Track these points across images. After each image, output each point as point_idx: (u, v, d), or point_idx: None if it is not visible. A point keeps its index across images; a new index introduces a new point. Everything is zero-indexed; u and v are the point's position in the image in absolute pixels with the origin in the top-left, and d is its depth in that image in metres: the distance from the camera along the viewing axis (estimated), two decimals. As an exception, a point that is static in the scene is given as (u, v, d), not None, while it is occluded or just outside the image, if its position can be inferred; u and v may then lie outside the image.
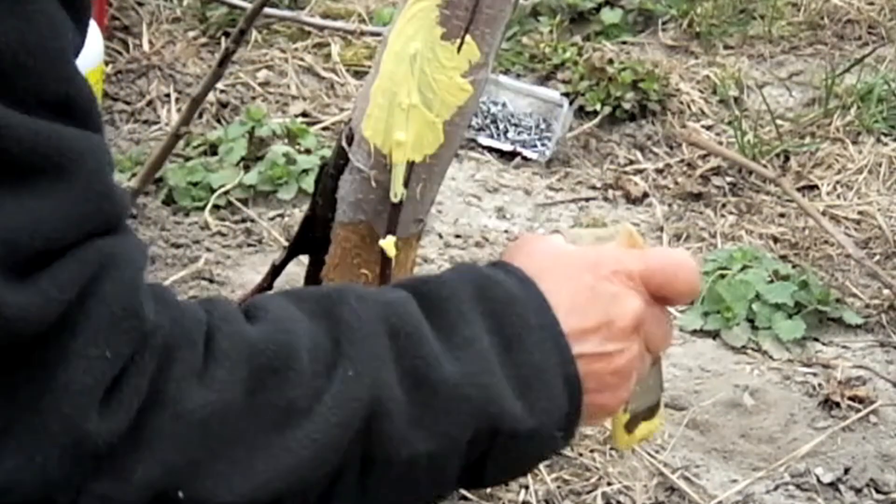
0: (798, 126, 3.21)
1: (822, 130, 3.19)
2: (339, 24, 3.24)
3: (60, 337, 0.79)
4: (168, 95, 3.17)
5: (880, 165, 3.09)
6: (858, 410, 2.39)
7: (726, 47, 3.52)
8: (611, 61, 3.26)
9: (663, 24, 3.59)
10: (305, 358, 0.88)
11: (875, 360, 2.53)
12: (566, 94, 3.20)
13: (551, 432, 0.95)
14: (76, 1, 0.82)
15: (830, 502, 2.21)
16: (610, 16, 3.53)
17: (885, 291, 2.67)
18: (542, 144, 3.11)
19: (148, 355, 0.83)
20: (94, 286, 0.80)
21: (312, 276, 1.96)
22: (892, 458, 2.30)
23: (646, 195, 2.99)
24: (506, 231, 2.86)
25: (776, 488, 2.23)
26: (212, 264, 2.64)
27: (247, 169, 2.89)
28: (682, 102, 3.26)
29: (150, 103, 3.16)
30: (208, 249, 2.70)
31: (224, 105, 3.15)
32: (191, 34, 3.39)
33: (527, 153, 3.08)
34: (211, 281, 2.59)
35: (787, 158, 3.11)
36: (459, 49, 1.74)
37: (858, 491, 2.23)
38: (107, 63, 3.14)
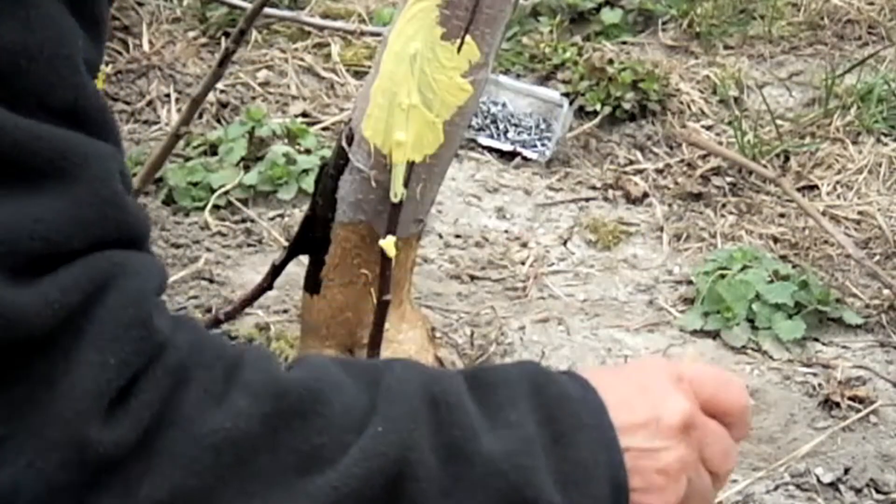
0: (798, 126, 3.21)
1: (822, 130, 3.19)
2: (339, 24, 3.24)
3: (63, 342, 0.79)
4: (168, 95, 3.17)
5: (880, 165, 3.09)
6: (858, 410, 2.39)
7: (726, 47, 3.52)
8: (611, 61, 3.26)
9: (663, 24, 3.59)
10: (337, 409, 0.87)
11: (875, 360, 2.53)
12: (566, 94, 3.20)
13: None
14: (90, 13, 0.82)
15: (830, 502, 2.21)
16: (610, 16, 3.54)
17: (885, 291, 2.67)
18: (542, 144, 3.11)
19: (161, 371, 0.82)
20: (100, 293, 0.80)
21: (312, 276, 1.96)
22: (892, 458, 2.30)
23: (646, 195, 2.99)
24: (506, 231, 2.86)
25: (776, 488, 2.23)
26: (212, 264, 2.64)
27: (247, 169, 2.89)
28: (682, 102, 3.26)
29: (150, 103, 3.16)
30: (208, 249, 2.70)
31: (224, 105, 3.15)
32: (191, 34, 3.39)
33: (527, 153, 3.08)
34: (211, 281, 2.59)
35: (787, 158, 3.11)
36: (459, 49, 1.74)
37: (858, 491, 2.23)
38: (107, 63, 3.14)
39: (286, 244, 2.36)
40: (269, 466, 0.84)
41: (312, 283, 1.95)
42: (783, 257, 2.79)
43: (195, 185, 2.84)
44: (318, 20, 3.25)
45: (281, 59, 3.32)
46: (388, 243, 1.78)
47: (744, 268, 2.66)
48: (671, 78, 3.30)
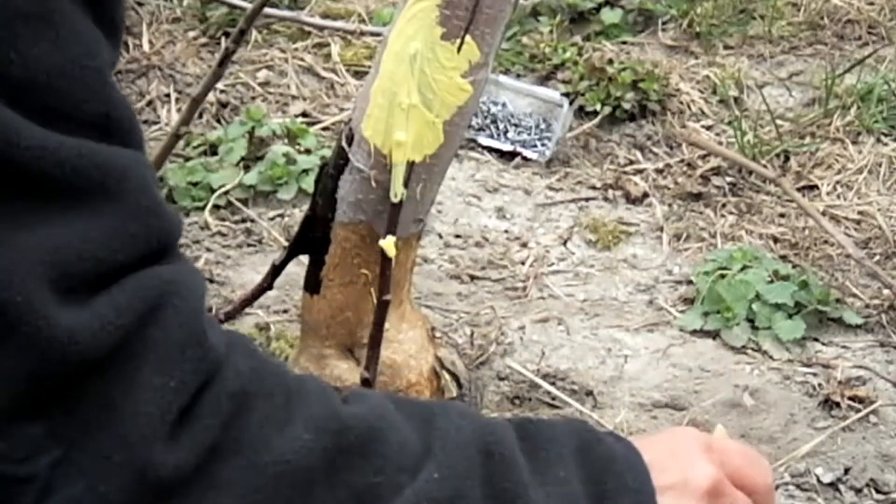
0: (798, 126, 3.21)
1: (822, 130, 3.19)
2: (339, 24, 3.24)
3: (121, 364, 0.79)
4: (168, 95, 3.17)
5: (880, 165, 3.09)
6: (858, 410, 2.39)
7: (726, 47, 3.52)
8: (611, 61, 3.26)
9: (663, 24, 3.59)
10: (394, 449, 0.88)
11: (875, 360, 2.53)
12: (566, 94, 3.20)
13: None
14: (110, 18, 0.82)
15: (830, 502, 2.21)
16: (610, 16, 3.53)
17: (885, 291, 2.67)
18: (542, 144, 3.11)
19: (223, 396, 0.82)
20: (155, 314, 0.80)
21: (312, 275, 1.96)
22: (892, 458, 2.30)
23: (646, 195, 2.99)
24: (506, 231, 2.86)
25: (776, 488, 2.23)
26: (212, 264, 2.65)
27: (247, 169, 2.89)
28: (682, 102, 3.26)
29: (150, 103, 3.16)
30: (208, 249, 2.70)
31: (224, 105, 3.15)
32: (191, 34, 3.39)
33: (527, 153, 3.08)
34: (211, 281, 2.59)
35: (787, 158, 3.11)
36: (459, 49, 1.74)
37: (858, 491, 2.23)
38: (107, 63, 3.13)
39: (286, 244, 2.36)
40: (324, 501, 0.84)
41: (312, 283, 1.95)
42: (783, 257, 2.79)
43: (195, 185, 2.84)
44: (318, 20, 3.25)
45: (281, 59, 3.32)
46: (388, 243, 1.78)
47: (744, 268, 2.65)
48: (671, 78, 3.30)
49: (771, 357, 2.52)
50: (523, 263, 2.75)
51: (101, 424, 0.78)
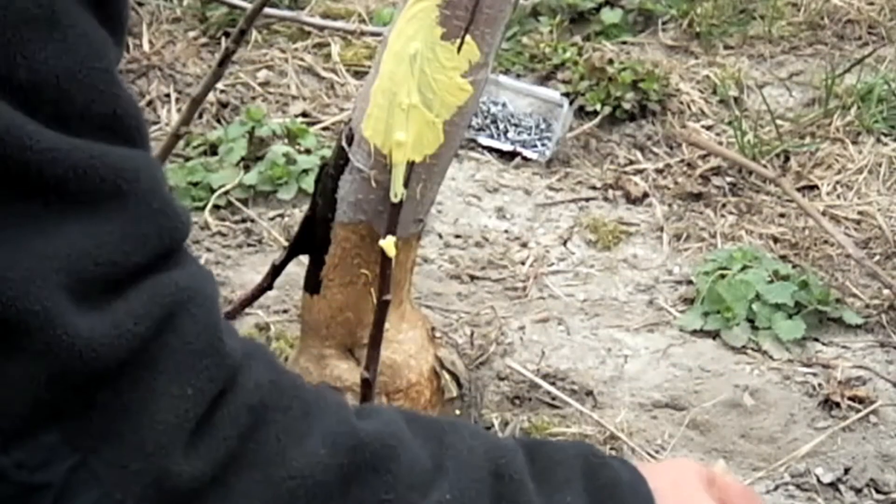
0: (798, 126, 3.21)
1: (822, 130, 3.19)
2: (339, 24, 3.24)
3: (138, 371, 0.79)
4: (168, 95, 3.17)
5: (880, 165, 3.09)
6: (858, 410, 2.39)
7: (726, 47, 3.52)
8: (611, 61, 3.26)
9: (663, 24, 3.59)
10: (406, 468, 0.88)
11: (875, 360, 2.53)
12: (566, 94, 3.20)
13: None
14: (115, 17, 0.82)
15: (830, 502, 2.21)
16: (610, 16, 3.53)
17: (885, 291, 2.67)
18: (542, 144, 3.11)
19: (241, 407, 0.82)
20: (172, 321, 0.80)
21: (312, 276, 1.96)
22: (892, 458, 2.30)
23: (646, 195, 2.99)
24: (506, 231, 2.86)
25: (776, 488, 2.23)
26: (212, 264, 2.65)
27: (247, 169, 2.89)
28: (682, 102, 3.26)
29: (150, 103, 3.16)
30: (208, 249, 2.70)
31: (224, 105, 3.16)
32: (191, 34, 3.39)
33: (527, 153, 3.08)
34: (211, 281, 2.59)
35: (787, 158, 3.11)
36: (459, 49, 1.74)
37: (858, 491, 2.23)
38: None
39: (286, 244, 2.36)
40: None
41: (312, 283, 1.95)
42: (783, 257, 2.79)
43: (195, 185, 2.84)
44: (318, 20, 3.25)
45: (281, 59, 3.32)
46: (388, 243, 1.78)
47: (744, 268, 2.66)
48: (671, 78, 3.30)
49: (771, 357, 2.52)
50: (523, 263, 2.75)
51: (117, 432, 0.78)
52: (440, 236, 2.82)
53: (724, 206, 2.96)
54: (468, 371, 2.08)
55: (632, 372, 2.46)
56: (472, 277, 2.70)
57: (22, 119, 0.76)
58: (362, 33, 3.00)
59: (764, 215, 2.94)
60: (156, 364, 0.79)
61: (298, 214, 2.74)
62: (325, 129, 3.10)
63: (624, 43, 3.50)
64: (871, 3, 3.67)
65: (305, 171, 2.85)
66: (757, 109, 3.26)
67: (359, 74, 3.25)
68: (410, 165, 1.78)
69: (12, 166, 0.75)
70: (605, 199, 2.98)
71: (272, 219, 2.81)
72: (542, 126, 3.14)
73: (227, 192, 2.84)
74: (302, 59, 3.32)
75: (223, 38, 3.32)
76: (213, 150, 2.96)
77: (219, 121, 3.10)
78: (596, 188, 3.01)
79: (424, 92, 1.75)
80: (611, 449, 2.26)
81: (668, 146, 3.15)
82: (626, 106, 3.19)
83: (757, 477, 2.24)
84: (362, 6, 3.55)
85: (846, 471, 2.26)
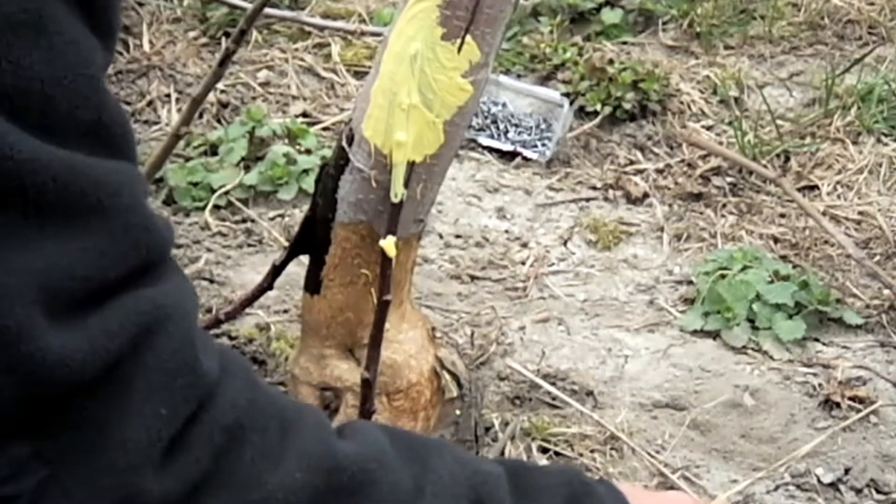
0: (798, 126, 3.21)
1: (823, 130, 3.19)
2: (339, 24, 3.24)
3: (112, 389, 0.78)
4: (168, 95, 3.17)
5: (880, 165, 3.09)
6: (859, 410, 2.39)
7: (726, 47, 3.52)
8: (611, 61, 3.26)
9: (663, 24, 3.59)
10: (385, 492, 0.88)
11: (875, 360, 2.53)
12: (566, 95, 3.20)
13: None
14: (105, 23, 0.82)
15: (831, 502, 2.21)
16: (610, 16, 3.53)
17: (886, 291, 2.67)
18: (543, 144, 3.10)
19: (216, 427, 0.81)
20: (147, 338, 0.79)
21: (313, 276, 1.96)
22: (892, 459, 2.30)
23: (646, 195, 2.99)
24: (506, 231, 2.86)
25: (776, 488, 2.23)
26: (212, 264, 2.64)
27: (247, 169, 2.89)
28: (682, 102, 3.26)
29: (150, 103, 3.16)
30: (208, 249, 2.70)
31: (224, 105, 3.15)
32: (191, 34, 3.39)
33: (527, 153, 3.08)
34: (211, 281, 2.59)
35: (787, 158, 3.11)
36: (460, 49, 1.74)
37: (859, 491, 2.23)
38: (107, 63, 3.13)
39: (286, 244, 2.36)
40: None
41: (313, 283, 1.95)
42: (783, 257, 2.79)
43: (195, 185, 2.84)
44: (318, 20, 3.25)
45: (281, 59, 3.32)
46: (388, 243, 1.78)
47: (744, 268, 2.66)
48: (671, 78, 3.30)
49: (771, 357, 2.52)
50: (523, 263, 2.75)
51: (89, 449, 0.78)
52: (440, 236, 2.81)
53: (724, 206, 2.96)
54: (468, 371, 2.08)
55: (632, 372, 2.46)
56: (473, 277, 2.70)
57: (5, 126, 0.75)
58: (362, 33, 3.00)
59: (764, 215, 2.94)
60: (129, 382, 0.78)
61: (299, 214, 2.74)
62: (325, 129, 3.10)
63: (624, 43, 3.50)
64: (871, 3, 3.67)
65: (306, 172, 2.85)
66: (757, 109, 3.26)
67: (359, 74, 3.25)
68: (411, 165, 1.78)
69: None
70: (606, 199, 2.98)
71: (272, 219, 2.81)
72: (543, 126, 3.14)
73: (227, 193, 2.84)
74: (302, 60, 3.32)
75: (223, 39, 3.32)
76: (213, 150, 2.96)
77: (219, 121, 3.10)
78: (596, 188, 3.01)
79: (425, 92, 1.75)
80: (611, 449, 2.26)
81: (669, 146, 3.15)
82: (627, 106, 3.19)
83: (757, 477, 2.24)
84: (362, 6, 3.55)
85: (846, 471, 2.26)
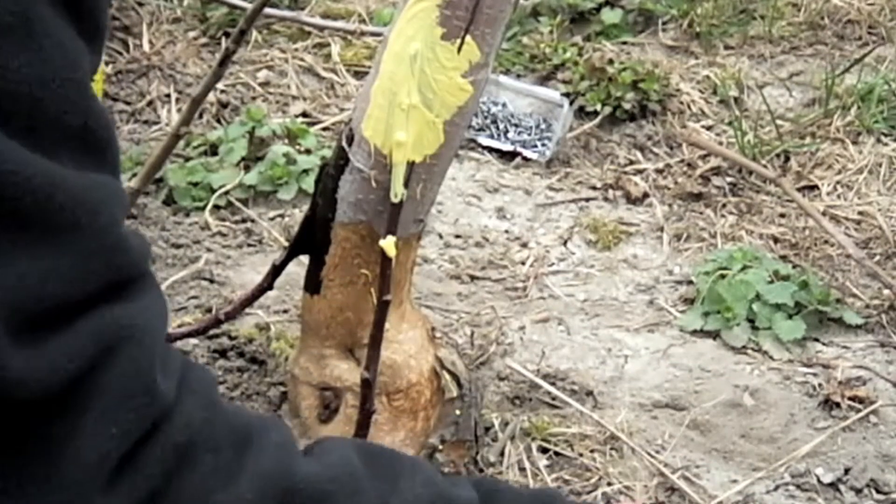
0: (798, 126, 3.21)
1: (823, 130, 3.19)
2: (339, 24, 3.24)
3: (68, 409, 0.78)
4: (168, 95, 3.17)
5: (880, 165, 3.09)
6: (859, 410, 2.39)
7: (726, 47, 3.52)
8: (611, 61, 3.26)
9: (663, 24, 3.59)
10: None
11: (875, 360, 2.53)
12: (566, 95, 3.20)
13: None
14: (93, 26, 0.81)
15: (831, 502, 2.21)
16: (610, 16, 3.54)
17: (886, 291, 2.67)
18: (543, 144, 3.10)
19: (168, 446, 0.81)
20: (107, 359, 0.79)
21: (312, 276, 1.96)
22: (892, 459, 2.30)
23: (646, 195, 2.99)
24: (506, 231, 2.86)
25: (776, 488, 2.23)
26: (212, 264, 2.64)
27: (247, 169, 2.89)
28: (682, 102, 3.26)
29: (150, 103, 3.16)
30: (208, 249, 2.70)
31: (224, 105, 3.15)
32: (191, 34, 3.39)
33: (527, 153, 3.08)
34: (211, 281, 2.59)
35: (787, 158, 3.11)
36: (459, 49, 1.74)
37: (859, 491, 2.23)
38: (107, 63, 3.14)
39: (286, 244, 2.36)
40: None
41: (312, 283, 1.95)
42: (783, 257, 2.79)
43: (195, 185, 2.84)
44: (318, 20, 3.25)
45: (281, 59, 3.32)
46: (388, 243, 1.78)
47: (744, 268, 2.66)
48: (671, 78, 3.30)
49: (771, 357, 2.52)
50: (523, 263, 2.75)
51: (40, 467, 0.78)
52: (440, 236, 2.81)
53: (724, 206, 2.96)
54: (468, 371, 2.08)
55: (632, 372, 2.46)
56: (473, 277, 2.70)
57: None
58: (362, 33, 3.00)
59: (764, 215, 2.94)
60: (84, 402, 0.78)
61: (298, 214, 2.74)
62: (325, 129, 3.10)
63: (624, 43, 3.50)
64: (871, 3, 3.67)
65: (306, 172, 2.85)
66: (757, 109, 3.26)
67: (359, 74, 3.25)
68: (410, 165, 1.78)
69: None
70: (606, 199, 2.98)
71: (272, 219, 2.81)
72: (543, 126, 3.14)
73: (227, 193, 2.84)
74: (302, 59, 3.32)
75: (223, 38, 3.32)
76: (213, 150, 2.96)
77: (219, 121, 3.10)
78: (596, 188, 3.01)
79: (425, 92, 1.75)
80: (611, 449, 2.26)
81: (669, 146, 3.15)
82: (627, 106, 3.19)
83: (757, 477, 2.24)
84: (362, 6, 3.55)
85: (846, 471, 2.26)
